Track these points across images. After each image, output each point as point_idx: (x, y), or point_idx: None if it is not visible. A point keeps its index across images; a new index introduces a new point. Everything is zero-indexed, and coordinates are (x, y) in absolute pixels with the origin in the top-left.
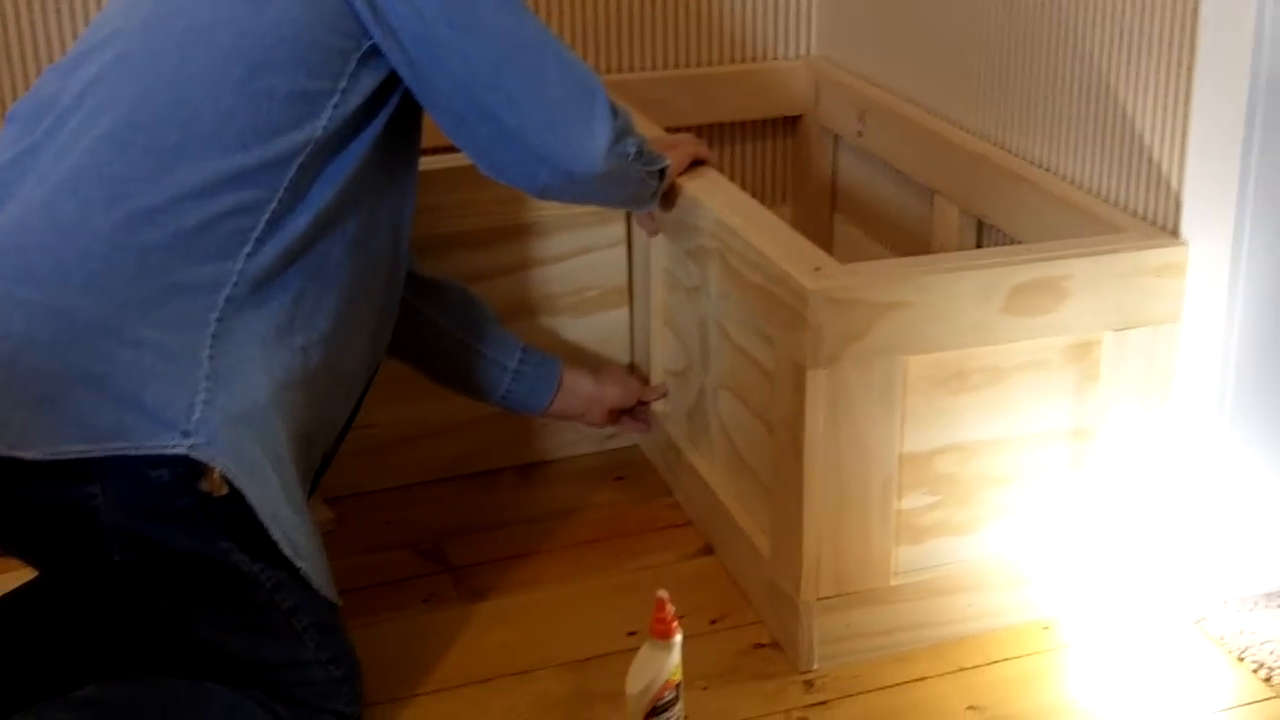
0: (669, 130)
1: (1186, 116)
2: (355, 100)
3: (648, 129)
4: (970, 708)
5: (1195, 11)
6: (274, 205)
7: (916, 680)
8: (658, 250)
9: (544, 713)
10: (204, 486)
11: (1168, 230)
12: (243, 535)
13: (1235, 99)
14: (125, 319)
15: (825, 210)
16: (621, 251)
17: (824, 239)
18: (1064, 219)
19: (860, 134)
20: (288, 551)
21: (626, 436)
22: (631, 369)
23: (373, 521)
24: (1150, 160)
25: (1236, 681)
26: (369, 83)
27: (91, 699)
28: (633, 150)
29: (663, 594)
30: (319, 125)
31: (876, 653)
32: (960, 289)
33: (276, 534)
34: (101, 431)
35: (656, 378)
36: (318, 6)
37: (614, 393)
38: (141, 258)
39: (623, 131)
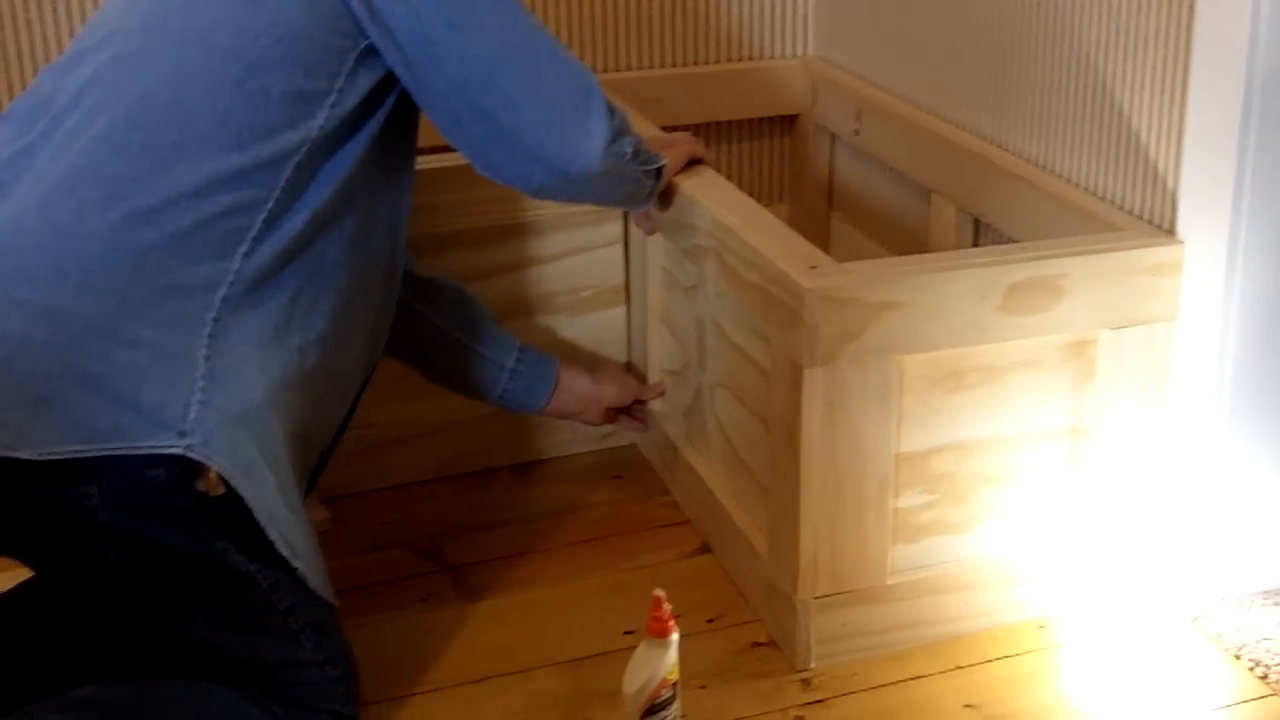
0: (666, 129)
1: (1182, 115)
2: (352, 100)
3: (644, 128)
4: (967, 706)
5: (1191, 10)
6: (270, 205)
7: (913, 679)
8: (655, 249)
9: (541, 712)
10: (200, 486)
11: (1164, 229)
12: (239, 535)
13: (1231, 97)
14: (122, 319)
15: (822, 209)
16: (618, 250)
17: (821, 238)
18: (1060, 218)
19: (857, 133)
20: (284, 551)
21: (624, 435)
22: (629, 368)
23: (370, 521)
24: (1146, 159)
25: (1233, 679)
26: (366, 82)
27: (88, 699)
28: (629, 149)
29: (660, 593)
30: (315, 125)
31: (873, 651)
32: (956, 288)
33: (273, 534)
34: (98, 431)
35: (654, 376)
36: (314, 6)
37: (611, 391)
38: (138, 258)
39: (619, 131)
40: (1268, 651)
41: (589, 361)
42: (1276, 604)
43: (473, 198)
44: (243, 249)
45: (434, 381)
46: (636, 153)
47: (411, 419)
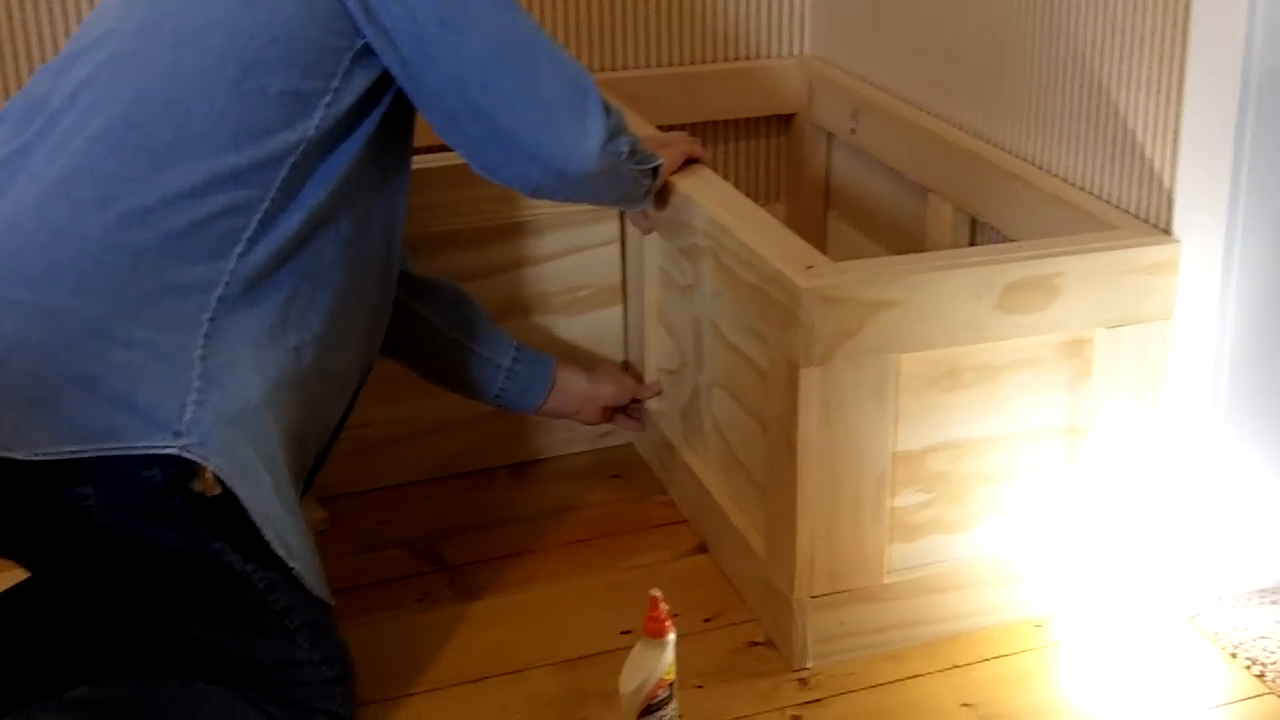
0: (662, 129)
1: (1179, 113)
2: (348, 100)
3: (641, 127)
4: (964, 705)
5: (1187, 9)
6: (266, 205)
7: (910, 678)
8: (651, 248)
9: (538, 712)
10: (196, 487)
11: (1160, 227)
12: (235, 535)
13: (1227, 96)
14: (117, 319)
15: (819, 208)
16: (615, 250)
17: (818, 237)
18: (1057, 216)
19: (853, 132)
20: (280, 552)
21: (621, 435)
22: (625, 367)
23: (366, 521)
24: (1142, 157)
25: (1230, 678)
26: (361, 82)
27: (84, 700)
28: (626, 149)
29: (656, 592)
30: (311, 125)
31: (870, 650)
32: (952, 287)
33: (269, 534)
34: (94, 432)
35: (650, 376)
36: (310, 6)
37: (608, 391)
38: (134, 258)
39: (616, 130)
40: (1264, 650)
41: (586, 361)
42: (1273, 602)
43: (469, 197)
44: (238, 249)
45: (431, 381)
46: (633, 152)
47: (408, 419)
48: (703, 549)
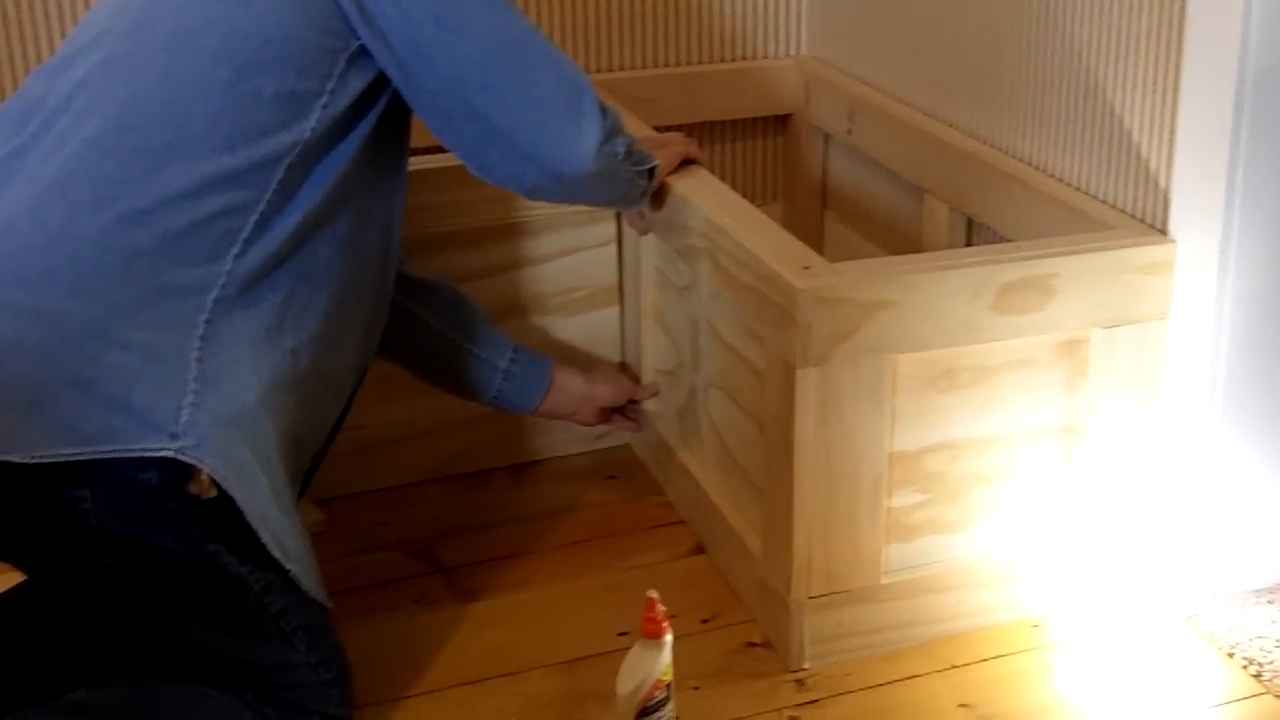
0: (659, 129)
1: (1174, 114)
2: (344, 101)
3: (637, 128)
4: (961, 705)
5: (1183, 9)
6: (262, 206)
7: (907, 678)
8: (648, 249)
9: (535, 713)
10: (193, 489)
11: (1156, 227)
12: (232, 537)
13: (1222, 96)
14: (113, 322)
15: (816, 209)
16: (612, 251)
17: (815, 238)
18: (1053, 216)
19: (850, 133)
20: (277, 554)
21: (618, 436)
22: (622, 368)
23: (363, 522)
24: (1138, 158)
25: (1227, 677)
26: (357, 83)
27: (80, 703)
28: (622, 150)
29: (653, 594)
30: (307, 126)
31: (867, 651)
32: (948, 287)
33: (265, 536)
34: (90, 434)
35: (647, 377)
36: (306, 7)
37: (605, 391)
38: (130, 260)
39: (612, 131)
40: (1261, 649)
41: (583, 362)
42: (1269, 602)
43: (466, 198)
44: (234, 250)
45: (428, 382)
46: (629, 153)
47: (405, 420)
48: (700, 550)
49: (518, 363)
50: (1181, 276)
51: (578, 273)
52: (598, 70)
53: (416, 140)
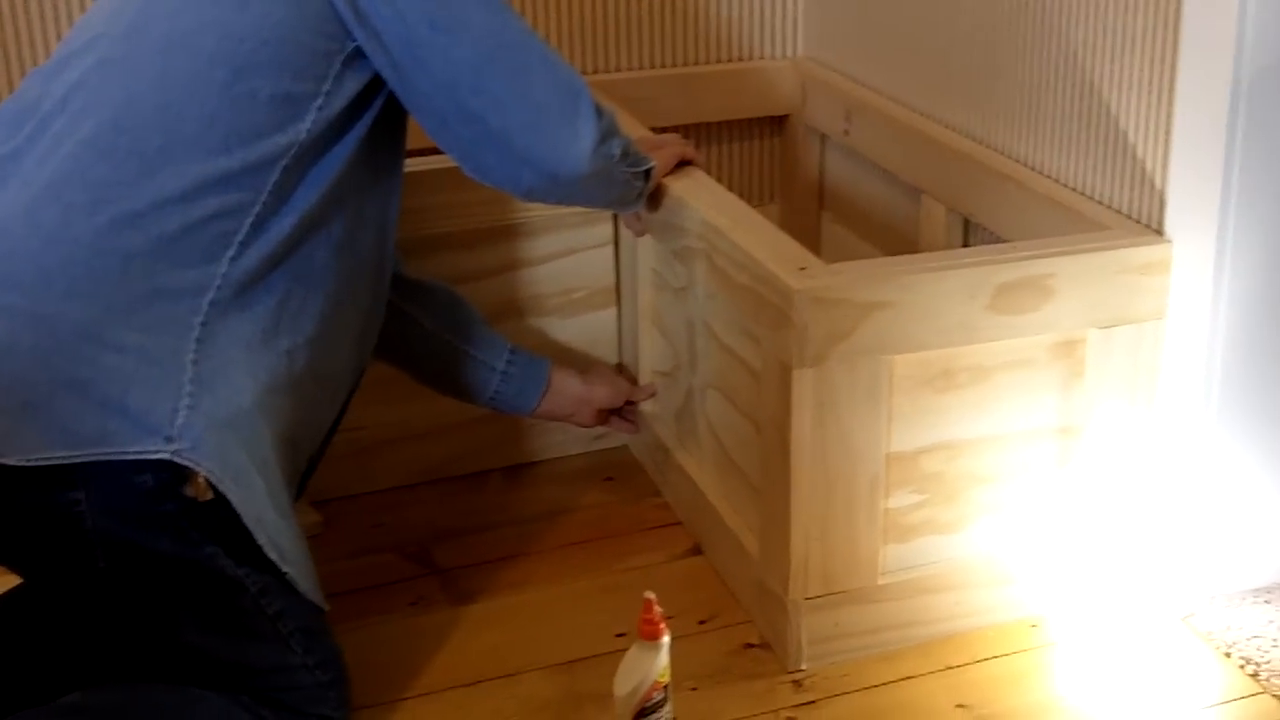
0: (655, 130)
1: (1170, 114)
2: (339, 102)
3: (634, 129)
4: (958, 706)
5: (1178, 10)
6: (258, 208)
7: (904, 679)
8: (645, 251)
9: (532, 715)
10: (188, 491)
11: (1152, 228)
12: (228, 540)
13: (1218, 97)
14: (108, 324)
15: (813, 209)
16: (609, 252)
17: (812, 238)
18: (1049, 217)
19: (847, 133)
20: (273, 556)
21: (615, 437)
22: (619, 369)
23: (360, 524)
24: (1134, 158)
25: (1224, 677)
26: (353, 85)
27: (77, 706)
28: (618, 151)
29: (650, 595)
30: (303, 128)
31: (865, 652)
32: (945, 288)
33: (262, 539)
34: (85, 437)
35: (644, 378)
36: (301, 10)
37: (602, 393)
38: (124, 263)
39: (608, 133)
40: (1258, 649)
41: (580, 363)
42: (1266, 601)
43: (462, 200)
44: (230, 253)
45: (424, 384)
46: (625, 154)
47: (401, 422)
48: (697, 551)
49: (515, 364)
50: (1177, 277)
51: (575, 274)
52: (594, 71)
53: (412, 142)
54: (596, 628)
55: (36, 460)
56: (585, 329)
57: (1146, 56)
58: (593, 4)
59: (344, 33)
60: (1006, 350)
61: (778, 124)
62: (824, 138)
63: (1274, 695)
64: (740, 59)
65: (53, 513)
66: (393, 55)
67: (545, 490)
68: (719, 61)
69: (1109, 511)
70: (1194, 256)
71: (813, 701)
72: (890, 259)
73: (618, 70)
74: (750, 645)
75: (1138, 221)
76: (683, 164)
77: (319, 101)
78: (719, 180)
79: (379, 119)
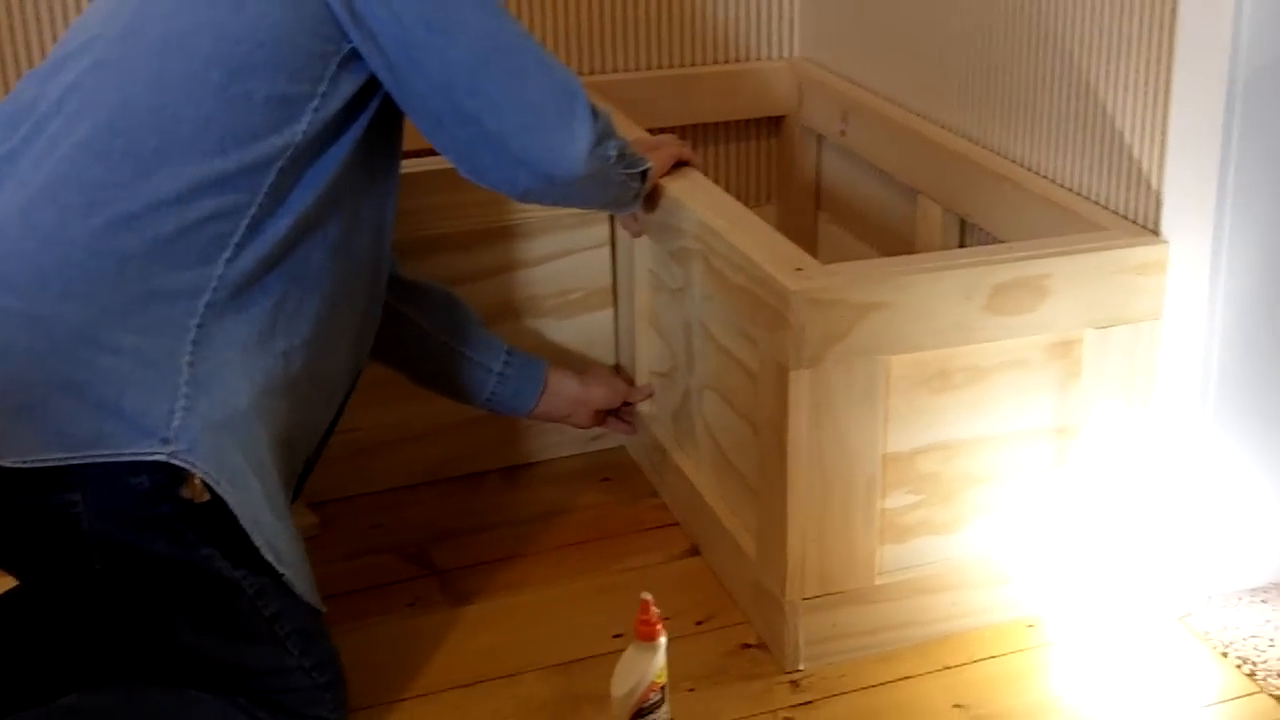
0: (652, 131)
1: (1166, 114)
2: (335, 104)
3: (630, 130)
4: (955, 706)
5: (1174, 10)
6: (254, 210)
7: (901, 679)
8: (641, 252)
9: (529, 716)
10: (185, 493)
11: (1148, 228)
12: (224, 542)
13: (1214, 97)
14: (104, 326)
15: (809, 210)
16: (605, 253)
17: (808, 239)
18: (1045, 217)
19: (843, 134)
20: (270, 558)
21: (612, 438)
22: (617, 370)
23: (357, 526)
24: (1130, 158)
25: (1221, 677)
26: (349, 86)
27: (73, 708)
28: (614, 153)
29: (647, 596)
30: (299, 129)
31: (862, 652)
32: (941, 288)
33: (258, 540)
34: (81, 439)
35: (641, 379)
36: (297, 11)
37: (599, 394)
38: (120, 264)
39: (604, 134)
40: (1255, 648)
41: (577, 364)
42: (1263, 601)
43: (458, 201)
44: (226, 254)
45: (421, 385)
46: (621, 155)
47: (398, 423)
48: (694, 552)
49: (512, 365)
50: (1174, 277)
51: (571, 275)
52: (591, 72)
53: (408, 143)
54: (594, 628)
55: (32, 462)
56: (582, 330)
57: (1142, 57)
58: (589, 5)
59: (340, 34)
60: (1003, 351)
61: (774, 125)
62: (820, 138)
63: (1271, 694)
64: (736, 60)
65: (49, 514)
66: (389, 57)
67: (542, 491)
68: (715, 62)
69: (1106, 511)
70: (1190, 257)
71: (810, 702)
72: (887, 260)
73: (614, 71)
74: (747, 646)
75: (1134, 222)
76: (679, 165)
77: (315, 103)
78: (716, 181)
79: (375, 120)
